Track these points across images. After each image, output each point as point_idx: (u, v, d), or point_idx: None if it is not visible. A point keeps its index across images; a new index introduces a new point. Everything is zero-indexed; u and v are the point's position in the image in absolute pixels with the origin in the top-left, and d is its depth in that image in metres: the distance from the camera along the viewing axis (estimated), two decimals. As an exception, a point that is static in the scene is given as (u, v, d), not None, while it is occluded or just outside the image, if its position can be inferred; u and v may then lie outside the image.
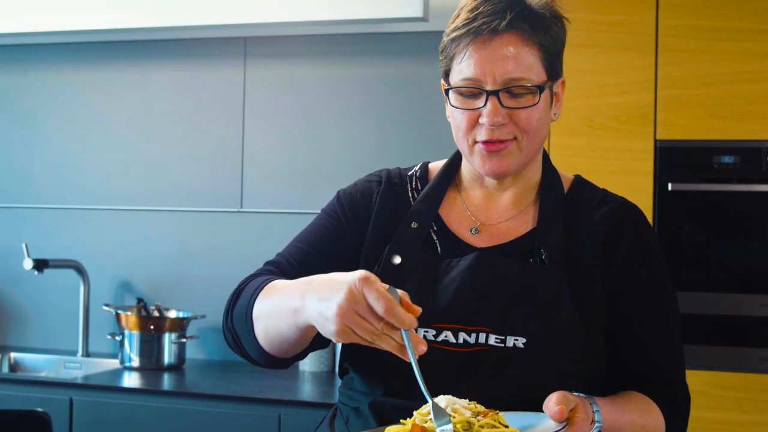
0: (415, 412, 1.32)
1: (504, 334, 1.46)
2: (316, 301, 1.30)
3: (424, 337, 1.47)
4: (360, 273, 1.25)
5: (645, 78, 2.74)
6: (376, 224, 1.60)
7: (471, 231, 1.59)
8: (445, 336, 1.47)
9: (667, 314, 1.58)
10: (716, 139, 2.70)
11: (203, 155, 3.61)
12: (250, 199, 3.56)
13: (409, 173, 1.67)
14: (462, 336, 1.47)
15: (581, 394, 1.40)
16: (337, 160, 3.46)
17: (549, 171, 1.63)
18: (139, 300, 3.50)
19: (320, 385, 3.08)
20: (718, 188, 2.72)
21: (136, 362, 3.31)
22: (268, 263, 1.60)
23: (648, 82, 2.74)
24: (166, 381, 3.13)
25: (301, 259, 1.58)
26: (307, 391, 3.00)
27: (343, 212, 1.62)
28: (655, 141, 2.74)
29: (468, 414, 1.29)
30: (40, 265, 3.44)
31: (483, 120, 1.48)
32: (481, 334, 1.47)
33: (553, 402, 1.32)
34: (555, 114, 1.58)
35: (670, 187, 2.72)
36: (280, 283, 1.45)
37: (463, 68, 1.49)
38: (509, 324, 1.47)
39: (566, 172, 1.66)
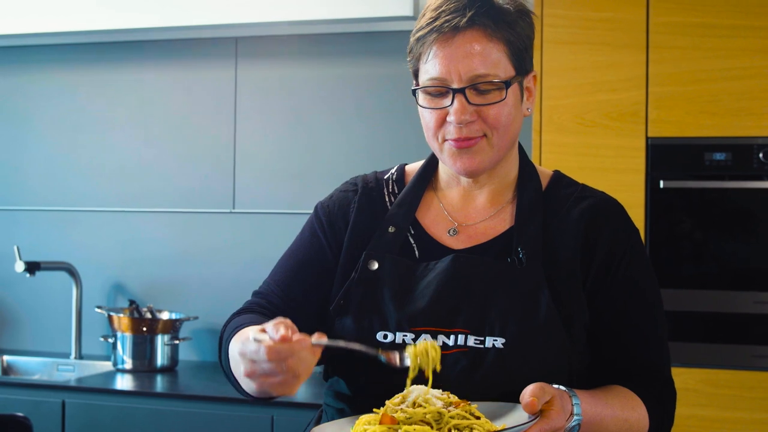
0: (387, 402, 1.32)
1: (483, 335, 1.45)
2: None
3: (403, 341, 1.47)
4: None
5: (636, 75, 2.74)
6: (353, 232, 1.60)
7: (449, 232, 1.58)
8: (424, 338, 1.46)
9: (651, 308, 1.56)
10: (708, 135, 2.70)
11: (195, 156, 3.61)
12: (243, 200, 3.55)
13: (386, 177, 1.66)
14: (441, 338, 1.46)
15: (561, 387, 1.38)
16: (329, 160, 3.45)
17: (526, 167, 1.62)
18: (132, 302, 3.49)
19: (313, 386, 3.06)
20: (710, 185, 2.72)
21: (128, 364, 3.30)
22: (255, 294, 1.62)
23: (639, 79, 2.74)
24: (159, 383, 3.13)
25: (284, 283, 1.60)
26: (300, 392, 2.98)
27: (321, 227, 1.62)
28: (647, 138, 2.73)
29: (440, 404, 1.28)
30: (32, 267, 3.43)
31: (450, 118, 1.48)
32: (460, 336, 1.46)
33: (528, 393, 1.31)
34: (528, 109, 1.57)
35: (662, 184, 2.72)
36: (244, 333, 1.43)
37: (429, 68, 1.48)
38: (488, 325, 1.46)
39: (547, 168, 1.66)
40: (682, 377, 2.64)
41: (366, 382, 1.49)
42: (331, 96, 3.47)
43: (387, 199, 1.63)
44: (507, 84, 1.47)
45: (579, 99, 2.78)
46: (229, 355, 1.47)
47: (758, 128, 2.67)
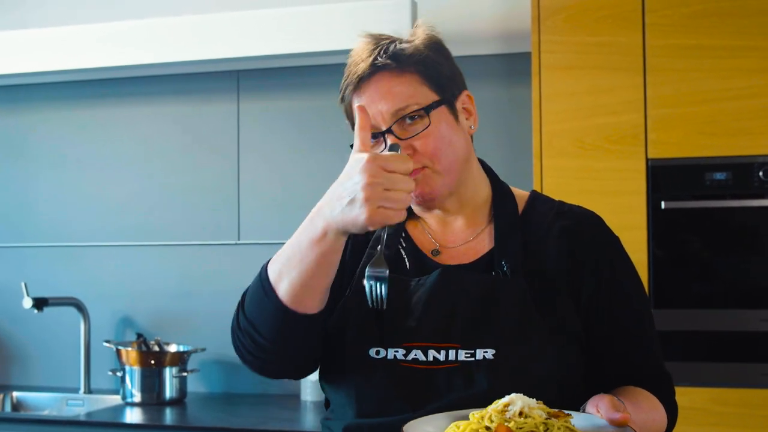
0: (490, 409, 1.29)
1: (473, 348, 1.48)
2: (336, 211, 1.37)
3: (394, 357, 1.50)
4: (364, 157, 1.33)
5: (634, 98, 2.76)
6: (353, 249, 1.63)
7: (432, 253, 1.61)
8: (415, 355, 1.49)
9: (643, 310, 1.60)
10: (707, 156, 2.71)
11: (200, 188, 3.63)
12: (248, 231, 3.57)
13: None
14: (432, 353, 1.49)
15: (615, 397, 1.37)
16: (333, 189, 3.46)
17: (499, 189, 1.65)
18: (139, 335, 3.50)
19: (322, 414, 3.07)
20: (712, 205, 2.73)
21: (137, 398, 3.31)
22: None
23: (637, 102, 2.76)
24: (168, 415, 3.13)
25: None
26: (309, 420, 2.99)
27: None
28: (647, 160, 2.75)
29: (543, 415, 1.26)
30: (40, 303, 3.45)
31: None
32: (450, 351, 1.48)
33: (610, 407, 1.30)
34: (471, 127, 1.60)
35: (663, 205, 2.73)
36: (283, 248, 1.52)
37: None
38: (478, 337, 1.48)
39: (550, 193, 1.69)
40: (690, 396, 2.64)
41: (355, 403, 1.51)
42: (334, 126, 3.49)
43: None
44: (427, 110, 1.51)
45: (578, 123, 2.79)
46: (271, 280, 1.52)
47: (758, 147, 2.69)
